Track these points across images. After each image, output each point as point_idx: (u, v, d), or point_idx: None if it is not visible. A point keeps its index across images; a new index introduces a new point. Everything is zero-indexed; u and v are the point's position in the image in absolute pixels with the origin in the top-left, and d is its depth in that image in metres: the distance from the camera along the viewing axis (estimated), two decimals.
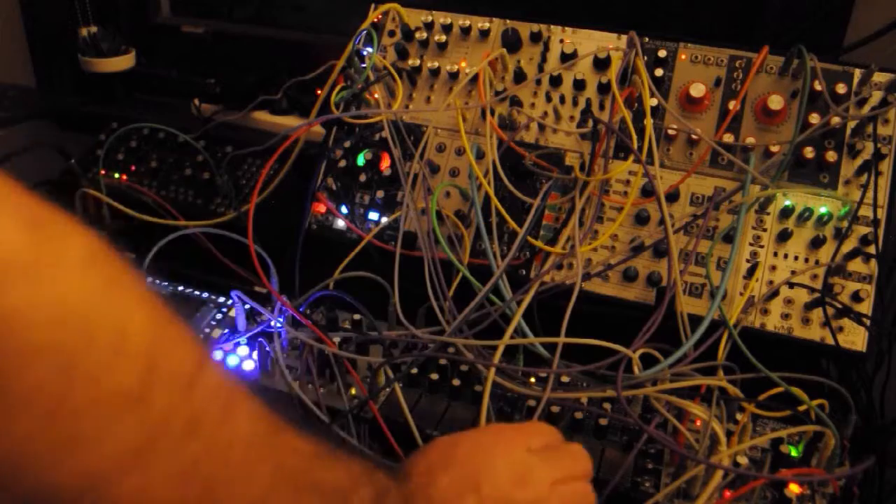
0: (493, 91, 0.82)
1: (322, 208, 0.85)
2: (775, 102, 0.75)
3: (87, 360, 0.30)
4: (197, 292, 0.85)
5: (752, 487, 0.58)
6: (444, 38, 0.86)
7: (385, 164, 0.84)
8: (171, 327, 0.35)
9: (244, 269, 0.78)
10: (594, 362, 0.61)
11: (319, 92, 0.89)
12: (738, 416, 0.64)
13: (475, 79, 0.82)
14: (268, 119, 1.09)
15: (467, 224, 0.79)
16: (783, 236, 0.73)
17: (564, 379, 0.69)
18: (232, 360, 0.73)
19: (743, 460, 0.62)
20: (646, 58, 0.79)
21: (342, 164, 0.85)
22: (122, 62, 1.22)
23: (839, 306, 0.69)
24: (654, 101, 0.76)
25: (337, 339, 0.71)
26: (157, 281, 0.85)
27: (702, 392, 0.64)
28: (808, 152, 0.74)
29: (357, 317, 0.77)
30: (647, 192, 0.76)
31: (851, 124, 0.74)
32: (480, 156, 0.78)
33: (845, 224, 0.72)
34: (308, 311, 0.77)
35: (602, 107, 0.81)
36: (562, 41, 0.84)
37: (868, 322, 0.69)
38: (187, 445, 0.34)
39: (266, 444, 0.39)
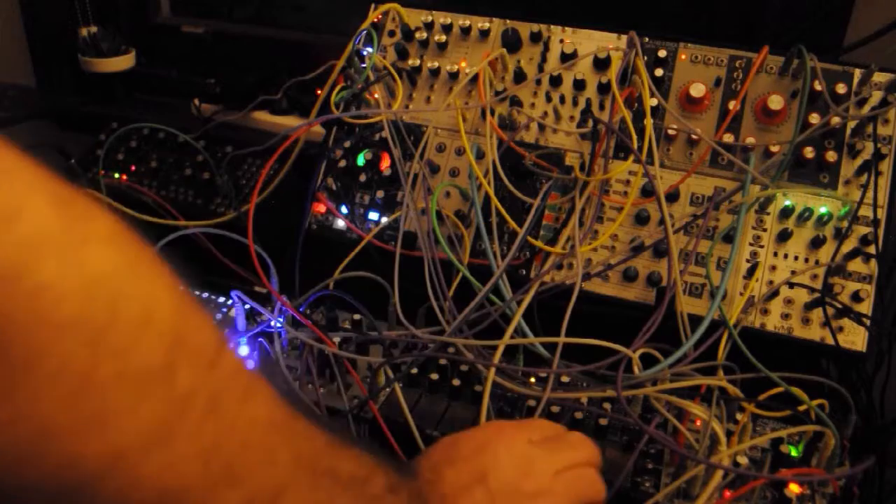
0: (493, 91, 0.82)
1: (322, 208, 0.85)
2: (775, 102, 0.75)
3: (114, 335, 0.30)
4: (197, 292, 0.85)
5: (752, 487, 0.58)
6: (444, 38, 0.86)
7: (385, 164, 0.84)
8: (194, 307, 0.35)
9: (244, 269, 0.78)
10: (594, 362, 0.61)
11: (319, 92, 0.89)
12: (738, 416, 0.64)
13: (475, 79, 0.82)
14: (268, 119, 1.09)
15: (467, 224, 0.79)
16: (783, 236, 0.73)
17: (564, 379, 0.69)
18: None
19: (743, 460, 0.62)
20: (646, 58, 0.79)
21: (342, 164, 0.85)
22: (122, 62, 1.22)
23: (839, 306, 0.69)
24: (654, 101, 0.76)
25: (337, 339, 0.71)
26: None
27: (702, 392, 0.65)
28: (808, 152, 0.74)
29: (357, 317, 0.77)
30: (647, 192, 0.76)
31: (851, 124, 0.74)
32: (480, 156, 0.78)
33: (845, 224, 0.72)
34: (308, 311, 0.77)
35: (602, 107, 0.81)
36: (562, 41, 0.84)
37: (868, 322, 0.69)
38: (209, 425, 0.34)
39: (285, 428, 0.40)
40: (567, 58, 0.82)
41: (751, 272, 0.72)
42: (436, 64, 0.85)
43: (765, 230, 0.74)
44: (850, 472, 0.58)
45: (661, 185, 0.73)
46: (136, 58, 1.24)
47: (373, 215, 0.83)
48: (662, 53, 0.80)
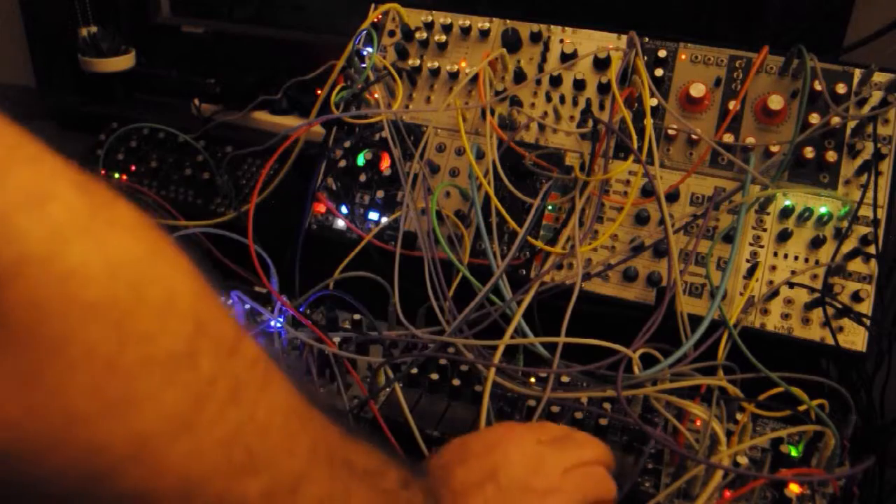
0: (493, 91, 0.82)
1: (322, 208, 0.85)
2: (775, 102, 0.75)
3: (139, 319, 0.30)
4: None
5: (753, 487, 0.58)
6: (444, 38, 0.86)
7: (385, 164, 0.84)
8: (213, 294, 0.35)
9: (244, 269, 0.78)
10: (594, 362, 0.61)
11: (319, 92, 0.89)
12: (738, 416, 0.64)
13: (475, 79, 0.82)
14: (268, 119, 1.09)
15: (467, 224, 0.79)
16: (783, 236, 0.73)
17: (564, 379, 0.69)
18: None
19: (743, 460, 0.62)
20: (646, 58, 0.79)
21: (342, 164, 0.85)
22: (122, 62, 1.22)
23: (839, 306, 0.69)
24: (654, 101, 0.76)
25: (337, 339, 0.71)
26: None
27: (702, 392, 0.65)
28: (808, 152, 0.74)
29: (357, 317, 0.77)
30: (647, 192, 0.76)
31: (851, 124, 0.74)
32: (480, 156, 0.78)
33: (845, 224, 0.72)
34: (308, 311, 0.77)
35: (602, 107, 0.81)
36: (562, 41, 0.84)
37: (868, 322, 0.69)
38: (231, 412, 0.34)
39: (303, 418, 0.40)
40: (567, 58, 0.82)
41: (751, 272, 0.72)
42: (436, 64, 0.85)
43: (765, 230, 0.74)
44: (850, 472, 0.58)
45: (661, 185, 0.73)
46: (136, 58, 1.24)
47: (373, 215, 0.83)
48: (662, 53, 0.80)
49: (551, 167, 0.78)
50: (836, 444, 0.59)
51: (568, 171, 0.78)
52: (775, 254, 0.73)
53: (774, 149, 0.74)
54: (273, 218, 0.86)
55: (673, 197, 0.76)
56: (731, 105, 0.76)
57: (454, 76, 0.85)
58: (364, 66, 0.86)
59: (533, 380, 0.69)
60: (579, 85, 0.81)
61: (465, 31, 0.87)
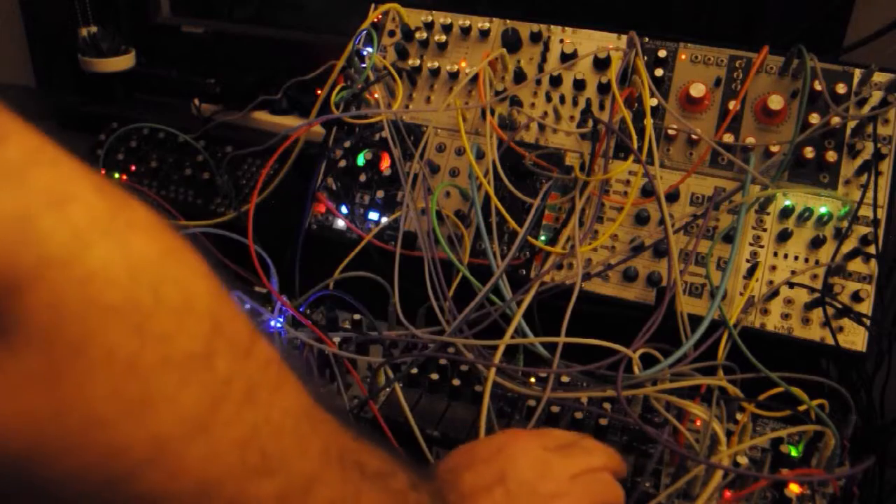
0: (493, 91, 0.82)
1: (322, 208, 0.85)
2: (775, 102, 0.75)
3: (158, 320, 0.30)
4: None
5: (754, 489, 0.58)
6: (444, 38, 0.86)
7: (385, 164, 0.84)
8: (227, 295, 0.35)
9: (244, 269, 0.78)
10: (594, 362, 0.61)
11: (319, 92, 0.89)
12: (738, 416, 0.64)
13: (475, 79, 0.82)
14: (268, 119, 1.09)
15: (467, 224, 0.79)
16: (783, 236, 0.73)
17: (564, 379, 0.69)
18: None
19: (743, 460, 0.62)
20: (646, 58, 0.79)
21: (342, 164, 0.85)
22: (122, 62, 1.22)
23: (839, 306, 0.69)
24: (654, 101, 0.76)
25: (337, 339, 0.71)
26: None
27: (702, 392, 0.65)
28: (808, 152, 0.74)
29: (357, 317, 0.77)
30: (647, 192, 0.76)
31: (851, 124, 0.74)
32: (480, 156, 0.78)
33: (845, 224, 0.72)
34: (308, 311, 0.77)
35: (602, 107, 0.81)
36: (562, 41, 0.84)
37: (868, 322, 0.69)
38: (246, 413, 0.34)
39: (314, 419, 0.40)
40: (567, 58, 0.82)
41: (751, 272, 0.72)
42: (436, 64, 0.85)
43: (765, 230, 0.74)
44: (850, 472, 0.58)
45: (661, 185, 0.73)
46: (136, 58, 1.24)
47: (373, 215, 0.83)
48: (662, 53, 0.80)
49: (551, 167, 0.78)
50: (836, 444, 0.59)
51: (568, 171, 0.78)
52: (775, 254, 0.73)
53: (774, 149, 0.74)
54: (273, 218, 0.86)
55: (673, 197, 0.76)
56: (731, 105, 0.76)
57: (454, 76, 0.85)
58: (364, 66, 0.86)
59: (533, 380, 0.69)
60: (579, 85, 0.81)
61: (465, 31, 0.86)
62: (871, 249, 0.71)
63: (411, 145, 0.82)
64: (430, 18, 0.87)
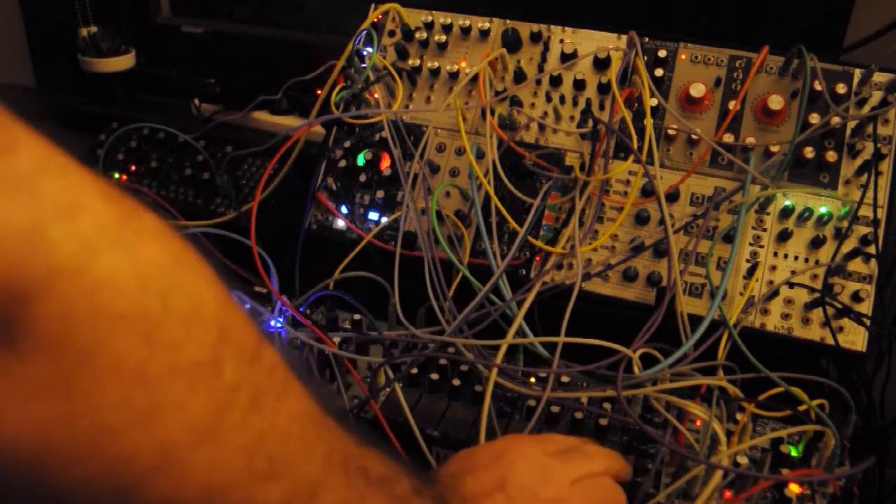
0: (493, 91, 0.82)
1: (322, 208, 0.85)
2: (775, 102, 0.75)
3: (166, 328, 0.30)
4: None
5: (755, 489, 0.58)
6: (444, 38, 0.86)
7: (385, 164, 0.84)
8: (234, 302, 0.35)
9: (244, 269, 0.78)
10: (594, 362, 0.61)
11: (319, 92, 0.89)
12: (738, 416, 0.64)
13: (475, 79, 0.82)
14: (268, 119, 1.09)
15: (467, 224, 0.79)
16: (783, 236, 0.73)
17: (564, 379, 0.69)
18: None
19: (743, 460, 0.62)
20: (646, 58, 0.79)
21: (342, 164, 0.85)
22: (122, 62, 1.22)
23: (839, 306, 0.69)
24: (654, 101, 0.76)
25: (337, 339, 0.71)
26: None
27: (702, 392, 0.65)
28: (808, 152, 0.74)
29: (357, 317, 0.77)
30: (647, 192, 0.76)
31: (851, 124, 0.74)
32: (480, 156, 0.78)
33: (845, 224, 0.72)
34: (308, 311, 0.77)
35: (602, 107, 0.81)
36: (562, 41, 0.84)
37: (868, 322, 0.69)
38: (252, 420, 0.34)
39: (319, 425, 0.40)
40: (567, 58, 0.82)
41: (751, 272, 0.72)
42: (436, 64, 0.85)
43: (765, 230, 0.74)
44: (850, 472, 0.58)
45: (661, 185, 0.73)
46: (136, 58, 1.24)
47: (373, 215, 0.83)
48: (662, 53, 0.80)
49: (551, 167, 0.78)
50: (836, 444, 0.59)
51: (568, 171, 0.78)
52: (775, 254, 0.73)
53: (774, 149, 0.74)
54: (273, 218, 0.86)
55: (673, 197, 0.76)
56: (731, 105, 0.76)
57: (454, 76, 0.85)
58: (364, 66, 0.86)
59: (533, 380, 0.69)
60: (579, 85, 0.81)
61: (465, 31, 0.86)
62: (871, 249, 0.71)
63: (411, 145, 0.82)
64: (430, 18, 0.87)
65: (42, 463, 0.29)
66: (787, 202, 0.73)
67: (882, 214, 0.72)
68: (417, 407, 0.68)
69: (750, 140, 0.76)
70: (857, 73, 0.76)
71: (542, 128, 0.82)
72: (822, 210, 0.73)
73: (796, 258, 0.73)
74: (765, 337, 0.71)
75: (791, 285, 0.71)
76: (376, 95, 0.86)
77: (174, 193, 0.98)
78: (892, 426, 0.70)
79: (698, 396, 0.64)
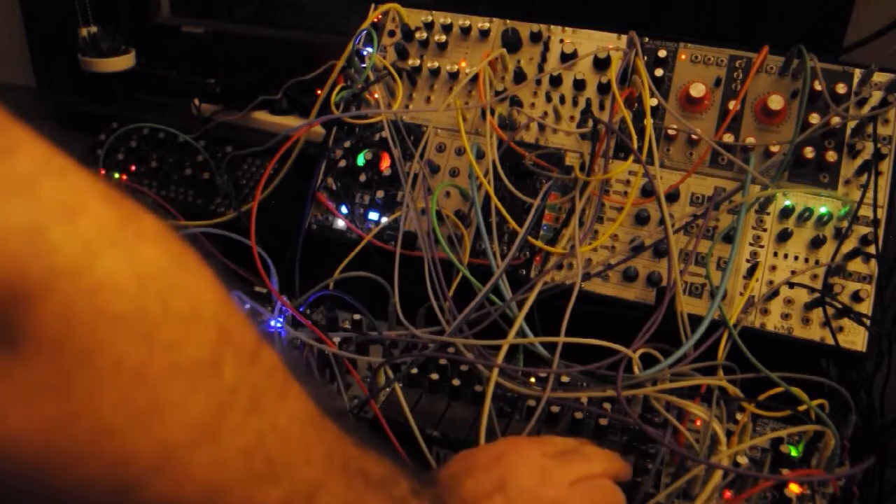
0: (493, 91, 0.82)
1: (322, 208, 0.85)
2: (775, 102, 0.75)
3: (166, 328, 0.30)
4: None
5: (756, 490, 0.58)
6: (444, 38, 0.86)
7: (385, 164, 0.84)
8: (234, 303, 0.35)
9: (244, 269, 0.78)
10: (594, 362, 0.61)
11: (319, 92, 0.89)
12: (738, 416, 0.64)
13: (475, 79, 0.82)
14: (268, 119, 1.09)
15: (467, 224, 0.79)
16: (783, 236, 0.73)
17: (564, 379, 0.69)
18: None
19: (743, 460, 0.62)
20: (646, 58, 0.79)
21: (342, 164, 0.85)
22: (122, 62, 1.22)
23: (839, 306, 0.69)
24: (654, 101, 0.76)
25: (337, 339, 0.71)
26: None
27: (702, 392, 0.65)
28: (808, 152, 0.74)
29: (357, 317, 0.77)
30: (647, 192, 0.76)
31: (851, 124, 0.74)
32: (480, 156, 0.78)
33: (845, 224, 0.72)
34: (308, 311, 0.77)
35: (602, 107, 0.81)
36: (562, 41, 0.84)
37: (868, 322, 0.69)
38: (252, 421, 0.34)
39: (318, 426, 0.40)
40: (567, 58, 0.82)
41: (751, 272, 0.72)
42: (436, 64, 0.85)
43: (765, 230, 0.74)
44: (850, 472, 0.58)
45: (661, 185, 0.73)
46: (136, 58, 1.24)
47: (373, 215, 0.83)
48: (662, 53, 0.80)
49: (551, 167, 0.78)
50: (836, 444, 0.59)
51: (568, 171, 0.78)
52: (775, 254, 0.73)
53: (774, 149, 0.74)
54: (273, 218, 0.86)
55: (673, 197, 0.76)
56: (731, 105, 0.76)
57: (454, 76, 0.85)
58: (364, 66, 0.86)
59: (533, 380, 0.69)
60: (579, 85, 0.81)
61: (465, 31, 0.86)
62: (871, 249, 0.71)
63: (411, 145, 0.82)
64: (430, 18, 0.87)
65: (42, 463, 0.29)
66: (787, 202, 0.73)
67: (882, 214, 0.72)
68: (417, 407, 0.68)
69: (750, 140, 0.76)
70: (857, 73, 0.76)
71: (542, 128, 0.82)
72: (822, 210, 0.73)
73: (796, 258, 0.73)
74: (765, 337, 0.71)
75: (791, 285, 0.71)
76: (376, 95, 0.86)
77: (174, 193, 0.98)
78: (892, 426, 0.70)
79: (698, 396, 0.64)
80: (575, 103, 0.82)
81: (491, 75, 0.82)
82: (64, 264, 0.27)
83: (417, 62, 0.86)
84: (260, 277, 0.73)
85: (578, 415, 0.65)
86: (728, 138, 0.76)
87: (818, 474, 0.60)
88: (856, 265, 0.71)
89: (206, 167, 0.96)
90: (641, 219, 0.76)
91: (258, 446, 0.35)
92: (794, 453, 0.63)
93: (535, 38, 0.85)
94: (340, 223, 0.84)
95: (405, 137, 0.82)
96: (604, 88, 0.81)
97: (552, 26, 0.85)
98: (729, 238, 0.72)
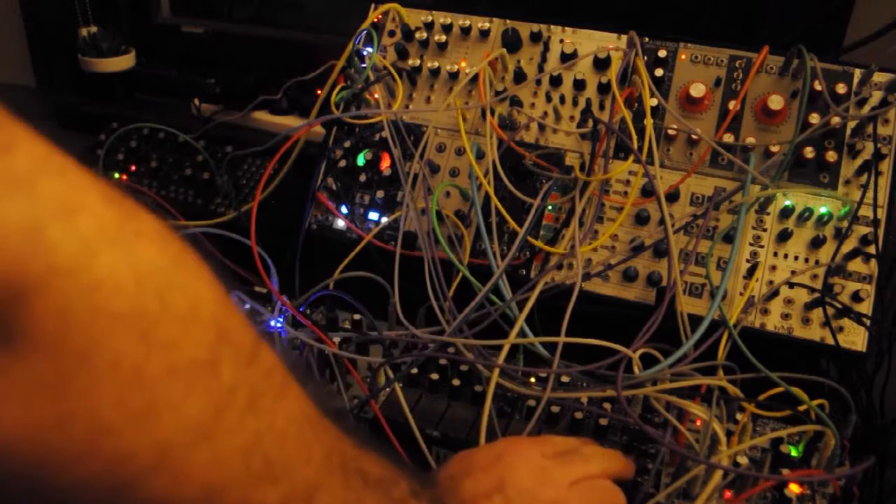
0: (493, 91, 0.82)
1: (322, 208, 0.85)
2: (775, 102, 0.75)
3: (164, 327, 0.30)
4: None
5: (756, 490, 0.58)
6: (444, 38, 0.86)
7: (385, 164, 0.84)
8: (233, 302, 0.35)
9: (244, 269, 0.78)
10: (594, 362, 0.61)
11: (319, 92, 0.89)
12: (738, 416, 0.64)
13: (475, 79, 0.82)
14: (268, 119, 1.09)
15: (467, 224, 0.79)
16: (783, 236, 0.73)
17: (564, 379, 0.69)
18: None
19: (743, 460, 0.62)
20: (646, 58, 0.79)
21: (342, 164, 0.85)
22: (122, 62, 1.22)
23: (839, 306, 0.69)
24: (654, 101, 0.76)
25: (337, 339, 0.71)
26: None
27: (702, 392, 0.64)
28: (808, 152, 0.74)
29: (357, 317, 0.77)
30: (647, 192, 0.76)
31: (851, 124, 0.74)
32: (480, 156, 0.78)
33: (845, 224, 0.72)
34: (308, 311, 0.77)
35: (602, 107, 0.81)
36: (562, 41, 0.84)
37: (868, 322, 0.69)
38: (250, 420, 0.34)
39: (316, 426, 0.40)
40: (567, 58, 0.82)
41: (751, 272, 0.72)
42: (436, 64, 0.85)
43: (765, 230, 0.74)
44: (850, 472, 0.58)
45: (661, 185, 0.73)
46: (136, 58, 1.24)
47: (373, 215, 0.83)
48: (662, 53, 0.80)
49: (551, 167, 0.78)
50: (836, 444, 0.59)
51: (568, 171, 0.78)
52: (775, 254, 0.73)
53: (774, 149, 0.74)
54: (273, 218, 0.86)
55: (673, 197, 0.76)
56: (731, 105, 0.76)
57: (454, 76, 0.85)
58: (364, 66, 0.86)
59: (533, 380, 0.69)
60: (579, 85, 0.81)
61: (465, 31, 0.86)
62: (871, 249, 0.71)
63: (411, 145, 0.82)
64: (430, 18, 0.87)
65: (40, 462, 0.29)
66: (787, 202, 0.73)
67: (882, 214, 0.72)
68: (417, 407, 0.68)
69: (750, 140, 0.76)
70: (857, 73, 0.76)
71: (542, 128, 0.82)
72: (822, 210, 0.73)
73: (796, 258, 0.73)
74: (765, 337, 0.71)
75: (791, 285, 0.71)
76: (376, 95, 0.86)
77: (174, 193, 0.98)
78: (892, 426, 0.70)
79: (698, 396, 0.64)
80: (575, 103, 0.82)
81: (491, 75, 0.82)
82: (62, 262, 0.27)
83: (417, 62, 0.86)
84: (260, 277, 0.73)
85: (578, 415, 0.65)
86: (728, 138, 0.76)
87: (818, 474, 0.60)
88: (856, 265, 0.71)
89: (206, 167, 0.96)
90: (641, 219, 0.76)
91: (256, 446, 0.35)
92: (794, 453, 0.63)
93: (535, 38, 0.85)
94: (340, 223, 0.84)
95: (405, 137, 0.82)
96: (604, 88, 0.81)
97: (552, 26, 0.85)
98: (729, 238, 0.72)
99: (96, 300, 0.28)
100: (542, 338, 0.66)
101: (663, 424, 0.62)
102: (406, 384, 0.70)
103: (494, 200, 0.74)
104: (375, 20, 0.89)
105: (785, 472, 0.59)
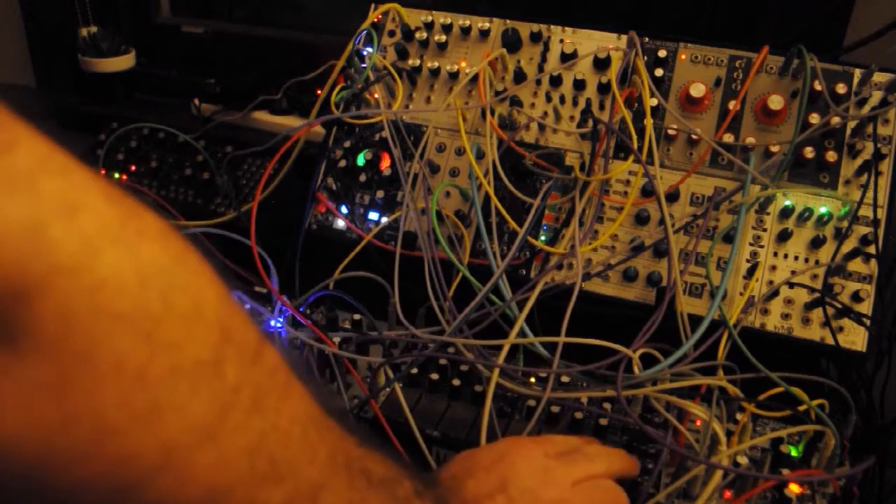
0: (493, 91, 0.82)
1: (322, 208, 0.85)
2: (775, 102, 0.75)
3: (168, 327, 0.30)
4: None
5: (756, 490, 0.58)
6: (444, 38, 0.86)
7: (385, 164, 0.84)
8: (235, 302, 0.35)
9: (244, 269, 0.78)
10: (594, 362, 0.61)
11: (319, 92, 0.89)
12: (738, 416, 0.64)
13: (475, 79, 0.82)
14: (268, 119, 1.09)
15: (467, 224, 0.79)
16: (783, 236, 0.73)
17: (564, 379, 0.69)
18: None
19: (743, 460, 0.62)
20: (646, 58, 0.79)
21: (342, 164, 0.85)
22: (122, 62, 1.22)
23: (839, 306, 0.69)
24: (654, 101, 0.76)
25: (337, 339, 0.71)
26: None
27: (702, 392, 0.65)
28: (808, 152, 0.74)
29: (357, 317, 0.77)
30: (647, 192, 0.76)
31: (851, 124, 0.74)
32: (480, 156, 0.78)
33: (845, 224, 0.72)
34: (308, 311, 0.77)
35: (602, 107, 0.81)
36: (562, 41, 0.84)
37: (868, 322, 0.69)
38: (254, 420, 0.34)
39: (321, 426, 0.40)
40: (567, 58, 0.82)
41: (751, 272, 0.72)
42: (436, 64, 0.85)
43: (765, 230, 0.74)
44: (850, 472, 0.58)
45: (661, 185, 0.73)
46: (136, 58, 1.24)
47: (373, 215, 0.83)
48: (662, 53, 0.80)
49: (551, 167, 0.78)
50: (836, 444, 0.59)
51: (568, 171, 0.78)
52: (775, 254, 0.73)
53: (774, 149, 0.74)
54: (273, 218, 0.86)
55: (673, 197, 0.76)
56: (731, 105, 0.76)
57: (454, 76, 0.85)
58: (364, 66, 0.86)
59: (533, 380, 0.69)
60: (579, 85, 0.81)
61: (465, 31, 0.86)
62: (871, 249, 0.71)
63: (411, 145, 0.82)
64: (430, 18, 0.87)
65: (43, 463, 0.29)
66: (787, 202, 0.73)
67: (882, 214, 0.72)
68: (417, 407, 0.68)
69: (750, 140, 0.76)
70: (857, 73, 0.76)
71: (542, 128, 0.82)
72: (822, 210, 0.73)
73: (796, 258, 0.73)
74: (765, 337, 0.71)
75: (791, 285, 0.71)
76: (376, 95, 0.86)
77: (174, 193, 0.98)
78: (892, 426, 0.70)
79: (698, 396, 0.64)
80: (575, 103, 0.82)
81: (491, 75, 0.82)
82: (64, 262, 0.27)
83: (417, 62, 0.86)
84: (260, 277, 0.73)
85: (578, 415, 0.65)
86: (728, 138, 0.76)
87: (818, 474, 0.60)
88: (856, 265, 0.71)
89: (206, 167, 0.96)
90: (641, 219, 0.76)
91: (261, 446, 0.35)
92: (794, 453, 0.63)
93: (535, 38, 0.85)
94: (340, 223, 0.84)
95: (405, 137, 0.82)
96: (604, 88, 0.81)
97: (552, 26, 0.85)
98: (729, 238, 0.72)
99: (99, 300, 0.28)
100: (542, 338, 0.66)
101: (663, 424, 0.62)
102: (406, 384, 0.70)
103: (494, 200, 0.74)
104: (375, 20, 0.89)
105: (785, 472, 0.59)
